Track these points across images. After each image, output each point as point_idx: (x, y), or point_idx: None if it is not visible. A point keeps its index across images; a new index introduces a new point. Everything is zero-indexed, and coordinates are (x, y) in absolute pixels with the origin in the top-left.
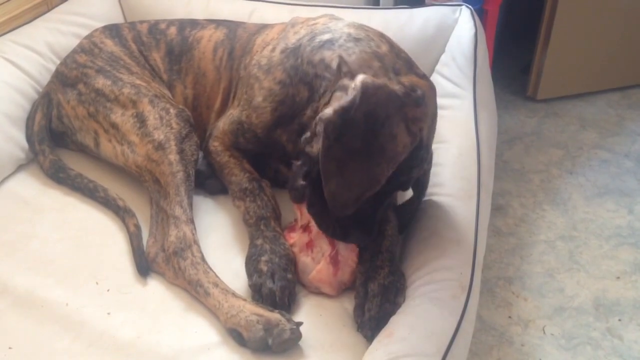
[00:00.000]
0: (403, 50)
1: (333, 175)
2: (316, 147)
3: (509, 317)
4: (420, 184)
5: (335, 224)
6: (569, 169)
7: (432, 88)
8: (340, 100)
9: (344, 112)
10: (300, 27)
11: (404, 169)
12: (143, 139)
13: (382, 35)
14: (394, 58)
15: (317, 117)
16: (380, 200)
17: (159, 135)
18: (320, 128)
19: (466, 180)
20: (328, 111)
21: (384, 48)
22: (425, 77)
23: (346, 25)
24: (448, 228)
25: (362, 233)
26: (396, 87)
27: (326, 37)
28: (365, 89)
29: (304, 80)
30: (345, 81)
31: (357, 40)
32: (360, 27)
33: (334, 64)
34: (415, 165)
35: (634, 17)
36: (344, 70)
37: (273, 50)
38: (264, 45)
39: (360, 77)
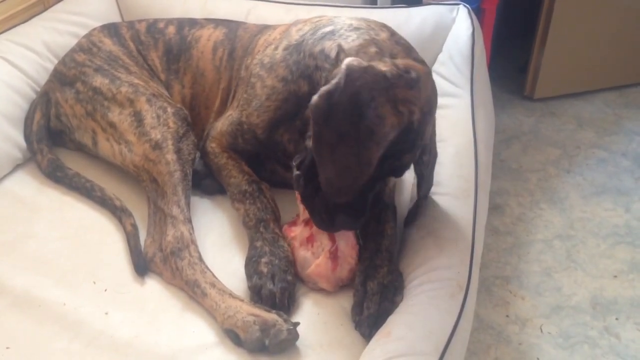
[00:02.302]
0: (404, 39)
1: (327, 162)
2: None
3: (507, 316)
4: (424, 180)
5: (324, 211)
6: (566, 168)
7: (428, 73)
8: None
9: (329, 96)
10: (304, 24)
11: (394, 153)
12: (140, 138)
13: (383, 25)
14: (392, 44)
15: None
16: (370, 186)
17: (156, 134)
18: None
19: (464, 179)
20: (315, 97)
21: (383, 35)
22: (423, 63)
23: (349, 18)
24: (445, 227)
25: (352, 218)
26: (386, 69)
27: (328, 29)
28: (349, 71)
29: (304, 73)
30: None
31: (357, 29)
32: (363, 19)
33: (333, 53)
34: (407, 150)
35: (630, 16)
36: (341, 58)
37: (276, 48)
38: (266, 45)
39: (346, 60)
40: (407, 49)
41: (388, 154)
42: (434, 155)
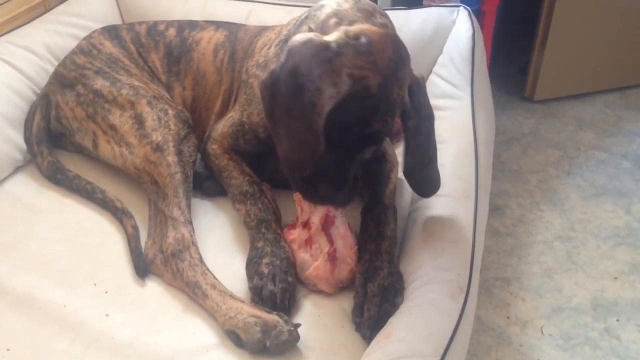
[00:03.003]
0: (370, 4)
1: (281, 137)
2: None
3: (507, 317)
4: (410, 151)
5: (308, 186)
6: (567, 169)
7: (386, 35)
8: None
9: (273, 74)
10: (293, 19)
11: (358, 121)
12: (141, 140)
13: None
14: (353, 12)
15: None
16: (348, 157)
17: (157, 136)
18: None
19: (464, 180)
20: (265, 75)
21: (346, 5)
22: (383, 26)
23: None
24: (446, 229)
25: (334, 191)
26: (331, 39)
27: (305, 15)
28: (290, 47)
29: None
30: None
31: (323, 6)
32: None
33: None
34: (371, 115)
35: (631, 18)
36: None
37: (269, 48)
38: (263, 46)
39: (293, 37)
40: (368, 14)
41: (350, 122)
42: (426, 124)
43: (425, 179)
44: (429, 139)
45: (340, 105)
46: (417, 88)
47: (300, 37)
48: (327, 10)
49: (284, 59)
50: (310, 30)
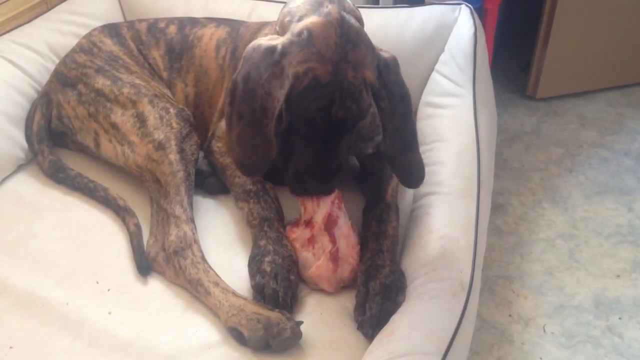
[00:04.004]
0: None
1: (234, 144)
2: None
3: (509, 315)
4: (387, 134)
5: (294, 180)
6: (569, 167)
7: (327, 23)
8: None
9: (232, 81)
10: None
11: (319, 112)
12: (143, 138)
13: None
14: (304, 7)
15: None
16: (328, 148)
17: (159, 135)
18: None
19: (466, 178)
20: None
21: (300, 1)
22: (327, 15)
23: None
24: (448, 227)
25: (321, 183)
26: (278, 41)
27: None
28: (245, 54)
29: None
30: None
31: (285, 5)
32: None
33: None
34: (331, 105)
35: (633, 16)
36: None
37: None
38: None
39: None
40: (317, 5)
41: (312, 115)
42: (401, 105)
43: (408, 165)
44: (406, 121)
45: (298, 100)
46: (385, 67)
47: (252, 43)
48: (284, 9)
49: (239, 66)
50: (275, 32)
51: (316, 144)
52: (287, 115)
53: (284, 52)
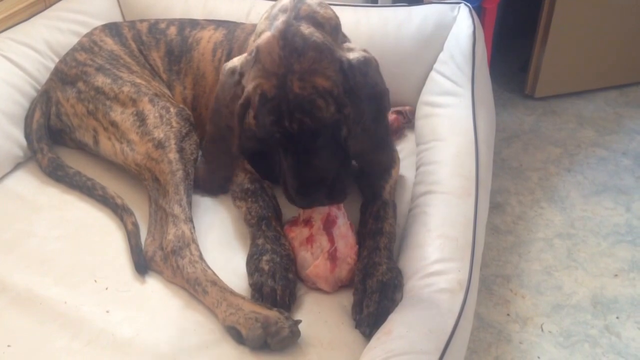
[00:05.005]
0: (285, 5)
1: (207, 161)
2: None
3: (507, 314)
4: (356, 139)
5: (295, 194)
6: (567, 166)
7: (270, 37)
8: None
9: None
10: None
11: (274, 127)
12: (143, 137)
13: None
14: (264, 23)
15: None
16: (302, 161)
17: (159, 133)
18: None
19: (464, 177)
20: None
21: (264, 15)
22: (275, 28)
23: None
24: (446, 226)
25: (308, 196)
26: (238, 63)
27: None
28: (220, 74)
29: None
30: None
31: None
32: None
33: None
34: (279, 119)
35: (632, 15)
36: None
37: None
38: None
39: None
40: (272, 19)
41: (268, 130)
42: (371, 105)
43: (375, 163)
44: (378, 122)
45: (257, 116)
46: (350, 69)
47: (224, 65)
48: (254, 28)
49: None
50: (251, 51)
51: (289, 158)
52: (258, 132)
53: (242, 72)
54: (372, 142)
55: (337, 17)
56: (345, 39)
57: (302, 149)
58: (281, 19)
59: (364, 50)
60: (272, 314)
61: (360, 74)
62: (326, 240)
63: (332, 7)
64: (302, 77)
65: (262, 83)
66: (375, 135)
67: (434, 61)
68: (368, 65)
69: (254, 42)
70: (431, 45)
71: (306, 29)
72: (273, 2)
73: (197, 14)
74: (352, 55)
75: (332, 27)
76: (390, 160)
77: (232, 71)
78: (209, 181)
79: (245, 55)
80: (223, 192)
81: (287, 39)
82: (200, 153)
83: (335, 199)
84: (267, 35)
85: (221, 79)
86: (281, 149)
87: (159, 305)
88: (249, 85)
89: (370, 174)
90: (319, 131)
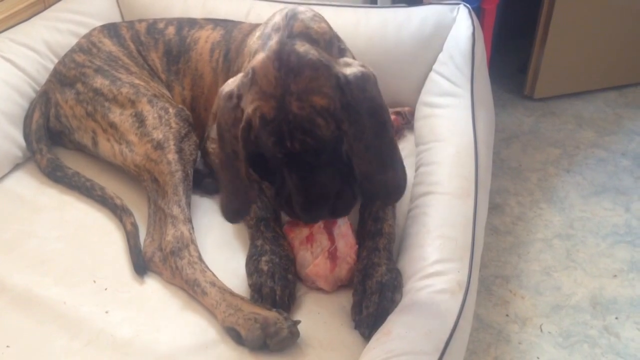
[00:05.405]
0: (278, 24)
1: (222, 187)
2: None
3: (507, 315)
4: (356, 156)
5: (290, 210)
6: (566, 167)
7: (265, 58)
8: None
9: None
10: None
11: (275, 148)
12: (142, 138)
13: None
14: (257, 43)
15: None
16: (304, 178)
17: (157, 134)
18: None
19: (464, 178)
20: None
21: (257, 34)
22: (269, 49)
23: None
24: (445, 226)
25: (312, 212)
26: (235, 85)
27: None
28: (217, 99)
29: None
30: None
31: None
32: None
33: None
34: (280, 140)
35: (631, 16)
36: None
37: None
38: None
39: None
40: (266, 40)
41: (270, 151)
42: (372, 121)
43: (385, 186)
44: (381, 137)
45: (257, 139)
46: (347, 85)
47: (220, 89)
48: (251, 28)
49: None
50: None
51: (293, 176)
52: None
53: (239, 94)
54: (378, 161)
55: (331, 30)
56: (343, 52)
57: (305, 167)
58: (275, 38)
59: (362, 65)
60: (271, 314)
61: (358, 89)
62: (326, 239)
63: (330, 8)
64: (299, 97)
65: (261, 105)
66: (380, 152)
67: (434, 62)
68: (366, 81)
69: (248, 63)
70: (430, 46)
71: (301, 47)
72: (266, 20)
73: (197, 14)
74: (349, 71)
75: (326, 42)
76: (402, 180)
77: (230, 95)
78: (232, 209)
79: (240, 76)
80: (241, 220)
81: (282, 59)
82: (199, 153)
83: (339, 214)
84: (261, 56)
85: (220, 104)
86: (284, 168)
87: (158, 306)
88: (249, 108)
89: (381, 199)
90: (320, 149)
